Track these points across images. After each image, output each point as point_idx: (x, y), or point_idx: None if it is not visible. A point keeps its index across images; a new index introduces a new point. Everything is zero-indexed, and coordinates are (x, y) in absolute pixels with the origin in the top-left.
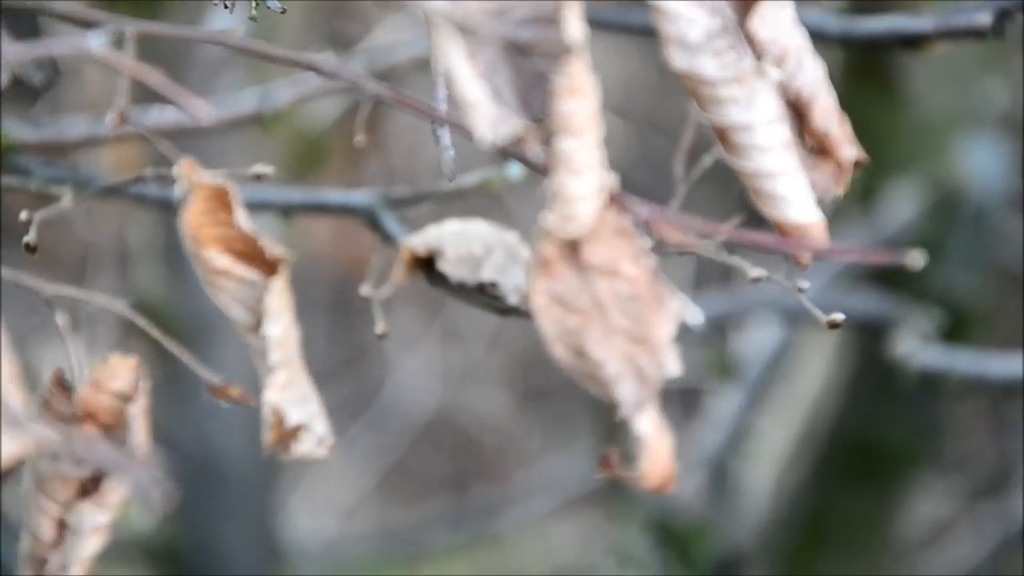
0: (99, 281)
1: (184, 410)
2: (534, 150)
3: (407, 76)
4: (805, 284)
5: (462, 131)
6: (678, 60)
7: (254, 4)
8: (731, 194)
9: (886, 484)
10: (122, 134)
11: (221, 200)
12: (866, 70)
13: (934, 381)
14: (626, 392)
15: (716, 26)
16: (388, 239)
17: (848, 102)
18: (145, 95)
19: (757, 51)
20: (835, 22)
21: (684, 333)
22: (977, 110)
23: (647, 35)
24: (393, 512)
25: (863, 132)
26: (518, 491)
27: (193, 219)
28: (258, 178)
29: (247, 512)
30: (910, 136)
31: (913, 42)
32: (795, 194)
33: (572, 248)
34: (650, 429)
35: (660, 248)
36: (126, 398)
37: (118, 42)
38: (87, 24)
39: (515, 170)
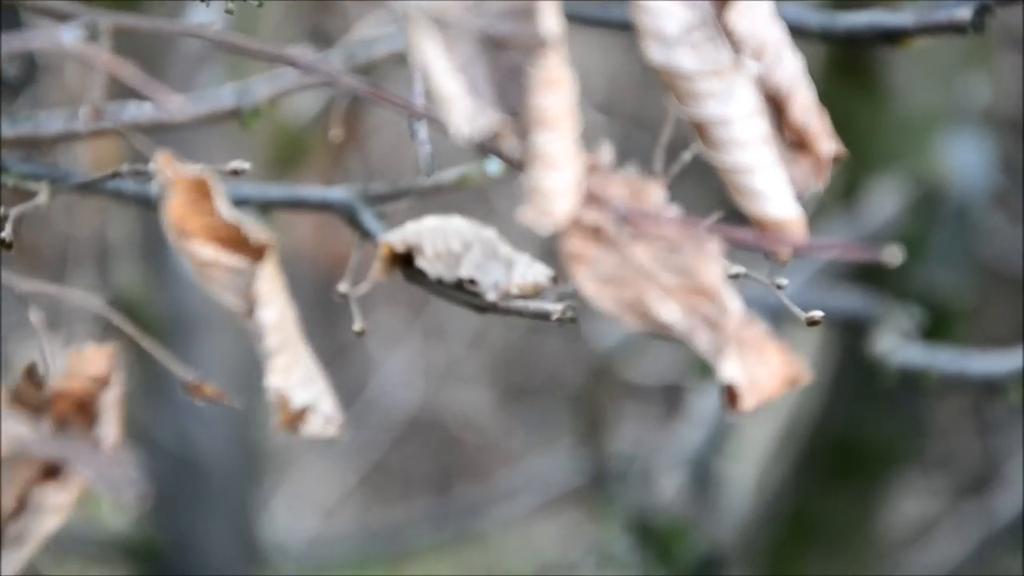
0: (79, 278)
1: (164, 408)
2: (511, 144)
3: (387, 71)
4: (784, 281)
5: (439, 125)
6: (655, 53)
7: None
8: (711, 190)
9: (868, 482)
10: (99, 129)
11: (201, 191)
12: (848, 66)
13: (915, 379)
14: (703, 343)
15: (694, 19)
16: (367, 235)
17: (830, 98)
18: (124, 90)
19: (735, 45)
20: (815, 17)
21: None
22: (959, 106)
23: (628, 30)
24: (375, 511)
25: (845, 128)
26: (500, 490)
27: (175, 212)
28: (236, 174)
29: (228, 511)
30: (892, 132)
31: (893, 37)
32: (774, 189)
33: (594, 231)
34: (736, 373)
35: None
36: (101, 383)
37: (93, 36)
38: (61, 17)
39: (494, 166)
